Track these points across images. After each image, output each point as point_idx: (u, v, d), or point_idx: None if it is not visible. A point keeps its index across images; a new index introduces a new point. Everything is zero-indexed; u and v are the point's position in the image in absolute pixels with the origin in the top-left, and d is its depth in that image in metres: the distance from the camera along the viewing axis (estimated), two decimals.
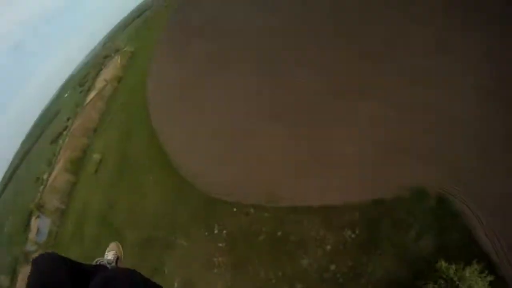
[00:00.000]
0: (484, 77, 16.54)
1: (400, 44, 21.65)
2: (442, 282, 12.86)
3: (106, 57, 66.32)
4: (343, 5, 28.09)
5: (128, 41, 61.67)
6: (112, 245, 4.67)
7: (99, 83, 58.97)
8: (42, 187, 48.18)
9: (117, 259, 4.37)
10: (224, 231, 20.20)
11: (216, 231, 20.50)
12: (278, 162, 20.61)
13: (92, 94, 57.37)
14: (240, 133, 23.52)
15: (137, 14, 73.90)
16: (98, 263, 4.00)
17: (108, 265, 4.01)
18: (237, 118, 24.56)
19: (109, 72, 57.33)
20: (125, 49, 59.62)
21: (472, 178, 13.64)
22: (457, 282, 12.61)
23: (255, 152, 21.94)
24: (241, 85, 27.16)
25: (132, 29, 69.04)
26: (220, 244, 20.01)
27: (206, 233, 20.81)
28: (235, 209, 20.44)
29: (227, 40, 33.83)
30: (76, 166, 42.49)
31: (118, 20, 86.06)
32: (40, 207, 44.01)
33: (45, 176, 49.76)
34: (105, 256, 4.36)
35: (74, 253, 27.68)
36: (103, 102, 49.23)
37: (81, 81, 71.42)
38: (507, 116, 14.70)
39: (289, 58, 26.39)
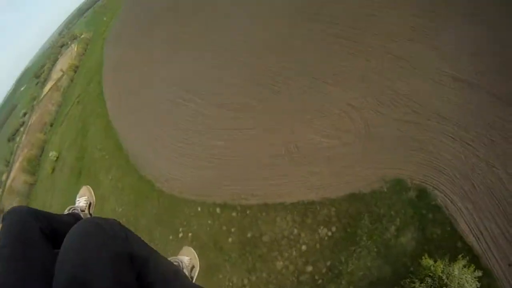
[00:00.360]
0: (462, 67, 15.49)
1: (371, 29, 20.18)
2: (429, 280, 11.74)
3: (63, 46, 62.57)
4: None
5: (85, 28, 58.10)
6: (83, 189, 4.21)
7: (55, 73, 55.30)
8: (1, 189, 44.94)
9: (90, 205, 4.02)
10: (190, 234, 18.20)
11: (181, 234, 18.49)
12: (245, 157, 18.35)
13: (48, 86, 53.88)
14: (203, 126, 20.92)
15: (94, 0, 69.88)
16: (70, 211, 3.66)
17: (81, 213, 3.67)
18: (200, 111, 21.90)
19: (65, 61, 53.35)
20: (81, 36, 55.82)
21: (452, 169, 12.90)
22: (445, 280, 11.58)
23: (220, 147, 19.57)
24: (204, 74, 24.55)
25: (89, 15, 65.27)
26: None
27: (171, 236, 18.79)
28: (199, 209, 18.40)
29: (185, 26, 31.55)
30: (34, 165, 39.20)
31: (75, 7, 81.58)
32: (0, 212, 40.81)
33: (3, 178, 46.52)
34: (77, 203, 3.95)
35: None
36: (60, 93, 45.50)
37: (37, 72, 66.81)
38: (487, 107, 14.01)
39: (254, 43, 23.98)
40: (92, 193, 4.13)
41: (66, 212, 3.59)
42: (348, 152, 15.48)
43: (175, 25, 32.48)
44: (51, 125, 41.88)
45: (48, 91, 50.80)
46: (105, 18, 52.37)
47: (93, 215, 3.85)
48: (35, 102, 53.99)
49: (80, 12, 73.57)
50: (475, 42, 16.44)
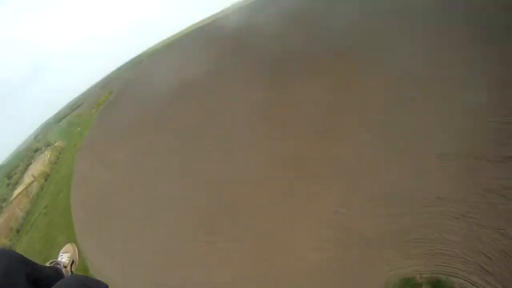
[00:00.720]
0: (442, 142, 15.30)
1: (342, 126, 19.77)
2: None
3: (37, 151, 63.45)
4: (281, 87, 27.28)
5: (60, 136, 59.62)
6: (68, 246, 4.02)
7: (27, 178, 55.26)
8: None
9: (72, 263, 3.79)
10: None
11: None
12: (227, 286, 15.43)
13: (19, 190, 52.85)
14: (176, 252, 18.31)
15: (71, 109, 72.51)
16: (52, 264, 3.48)
17: (63, 269, 3.48)
18: (172, 235, 19.40)
19: (37, 167, 54.23)
20: (55, 144, 57.40)
21: (461, 248, 11.79)
22: None
23: (197, 275, 16.67)
24: (174, 194, 22.75)
25: (64, 123, 67.21)
26: None
27: None
28: None
29: (152, 145, 32.04)
30: None
31: (53, 113, 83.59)
32: None
33: None
34: (59, 258, 3.75)
35: None
36: (29, 200, 45.04)
37: (10, 173, 65.94)
38: (478, 171, 13.41)
39: (224, 155, 23.57)
40: (76, 251, 3.95)
41: (48, 264, 3.46)
42: (344, 263, 13.52)
43: (144, 143, 33.57)
44: (17, 231, 41.21)
45: (18, 195, 50.23)
46: (79, 129, 54.52)
47: (73, 273, 3.68)
48: (4, 204, 52.98)
49: (57, 119, 75.54)
50: (446, 115, 16.32)
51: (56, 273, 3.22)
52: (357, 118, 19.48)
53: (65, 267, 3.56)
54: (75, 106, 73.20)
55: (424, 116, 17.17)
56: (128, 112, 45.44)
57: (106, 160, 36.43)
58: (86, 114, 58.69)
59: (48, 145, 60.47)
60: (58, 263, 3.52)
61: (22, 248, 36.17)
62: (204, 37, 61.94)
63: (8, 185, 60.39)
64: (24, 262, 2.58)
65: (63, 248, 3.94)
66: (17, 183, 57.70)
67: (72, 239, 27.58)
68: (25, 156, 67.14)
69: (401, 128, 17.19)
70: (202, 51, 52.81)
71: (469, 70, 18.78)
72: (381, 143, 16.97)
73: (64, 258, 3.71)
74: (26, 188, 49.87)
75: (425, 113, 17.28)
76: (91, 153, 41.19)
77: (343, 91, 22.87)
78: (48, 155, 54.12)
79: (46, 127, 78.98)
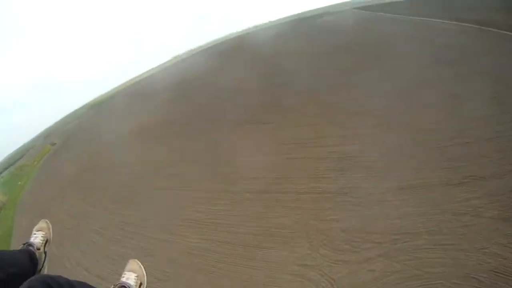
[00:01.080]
0: (400, 174, 14.74)
1: (290, 174, 18.06)
2: None
3: None
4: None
5: (1, 189, 56.73)
6: (42, 224, 3.76)
7: None
8: None
9: (46, 242, 3.54)
10: None
11: None
12: None
13: None
14: None
15: (13, 159, 69.58)
16: (25, 246, 3.34)
17: (36, 252, 3.30)
18: None
19: None
20: None
21: (448, 277, 10.09)
22: None
23: None
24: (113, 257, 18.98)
25: (7, 175, 64.10)
26: None
27: None
28: None
29: (98, 196, 28.81)
30: None
31: None
32: None
33: None
34: (32, 237, 3.51)
35: None
36: None
37: None
38: (442, 196, 12.90)
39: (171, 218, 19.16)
40: (51, 228, 3.63)
41: (20, 246, 3.25)
42: None
43: (83, 204, 29.47)
44: None
45: None
46: (19, 182, 52.97)
47: (47, 253, 3.42)
48: None
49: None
50: (398, 147, 15.96)
51: (28, 257, 3.09)
52: (303, 169, 17.88)
53: (38, 249, 3.35)
54: (18, 156, 70.34)
55: (379, 150, 16.67)
56: (70, 165, 44.58)
57: (46, 216, 34.78)
58: (29, 166, 56.85)
59: None
60: (30, 245, 3.34)
61: None
62: (147, 89, 62.48)
63: None
64: None
65: (37, 226, 3.67)
66: None
67: None
68: None
69: (356, 168, 16.31)
70: (145, 102, 53.44)
71: (414, 93, 19.25)
72: (340, 186, 15.69)
73: (38, 237, 3.47)
74: None
75: (378, 147, 16.84)
76: (30, 209, 39.14)
77: (288, 142, 20.91)
78: None
79: None
